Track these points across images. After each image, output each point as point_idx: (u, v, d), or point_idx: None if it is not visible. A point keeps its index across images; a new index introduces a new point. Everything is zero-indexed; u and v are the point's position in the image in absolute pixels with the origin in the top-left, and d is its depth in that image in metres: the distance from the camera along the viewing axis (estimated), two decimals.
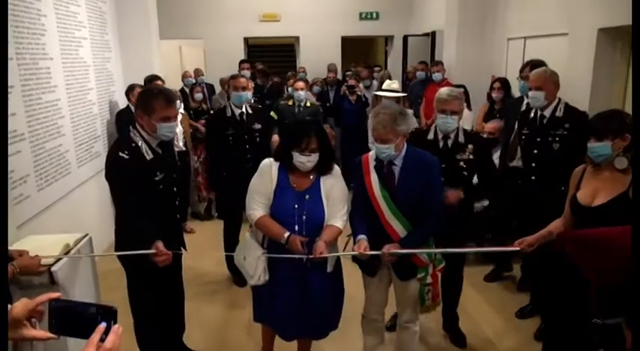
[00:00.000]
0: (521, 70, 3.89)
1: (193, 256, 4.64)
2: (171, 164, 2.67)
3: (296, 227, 2.42)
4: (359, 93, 6.32)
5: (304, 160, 2.41)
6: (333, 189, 2.50)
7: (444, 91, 2.92)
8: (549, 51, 4.95)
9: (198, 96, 6.20)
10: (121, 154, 2.39)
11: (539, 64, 3.73)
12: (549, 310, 3.10)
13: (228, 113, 3.95)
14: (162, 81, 5.03)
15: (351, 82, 6.51)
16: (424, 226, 2.48)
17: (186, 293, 3.04)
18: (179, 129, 4.89)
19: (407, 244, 2.44)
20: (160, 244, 2.37)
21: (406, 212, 2.47)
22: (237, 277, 3.92)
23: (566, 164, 2.59)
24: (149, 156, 2.47)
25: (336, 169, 2.58)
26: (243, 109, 3.97)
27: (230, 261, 3.90)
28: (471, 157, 2.88)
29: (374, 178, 2.50)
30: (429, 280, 2.56)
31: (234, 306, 3.77)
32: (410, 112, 4.53)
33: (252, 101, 4.37)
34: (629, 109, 3.83)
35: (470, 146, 2.88)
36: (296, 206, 2.44)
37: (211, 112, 6.04)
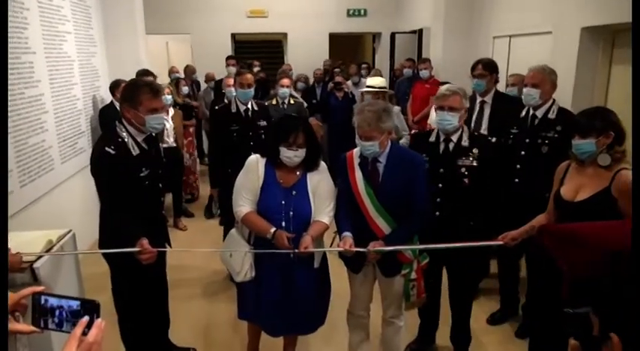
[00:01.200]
0: (473, 68, 3.74)
1: (182, 253, 4.64)
2: (156, 160, 2.65)
3: (283, 223, 2.42)
4: (346, 90, 6.28)
5: (291, 155, 2.41)
6: (320, 185, 2.51)
7: (444, 86, 2.76)
8: (534, 49, 5.00)
9: (185, 89, 6.15)
10: (107, 149, 2.36)
11: (490, 63, 3.73)
12: (532, 305, 3.15)
13: (233, 109, 3.91)
14: (154, 76, 4.98)
15: (338, 78, 6.46)
16: (409, 224, 2.49)
17: (172, 289, 3.02)
18: (169, 125, 4.85)
19: (392, 241, 2.44)
20: (145, 242, 2.34)
21: (391, 209, 2.47)
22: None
23: (552, 169, 2.48)
24: (135, 151, 2.45)
25: (323, 165, 2.58)
26: (249, 106, 3.93)
27: None
28: (475, 163, 2.59)
29: (358, 175, 2.50)
30: (413, 275, 2.55)
31: (221, 302, 3.76)
32: (397, 109, 4.53)
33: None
34: (610, 107, 3.89)
35: (475, 151, 2.61)
36: (283, 202, 2.44)
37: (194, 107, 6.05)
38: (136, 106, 2.40)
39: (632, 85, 1.85)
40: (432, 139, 2.71)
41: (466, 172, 2.60)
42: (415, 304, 2.68)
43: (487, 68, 3.66)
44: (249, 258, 2.49)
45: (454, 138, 2.65)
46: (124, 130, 2.45)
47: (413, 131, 2.89)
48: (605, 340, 0.80)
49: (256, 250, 2.50)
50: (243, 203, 2.49)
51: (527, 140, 3.03)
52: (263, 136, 3.83)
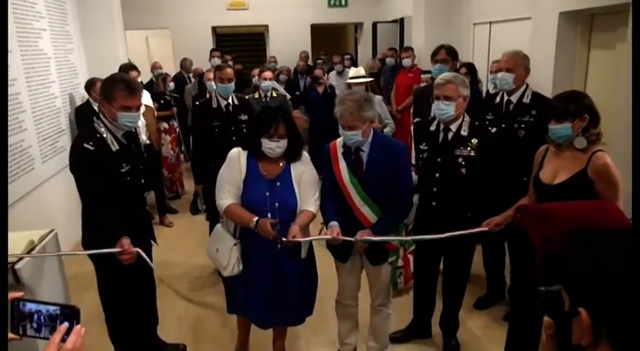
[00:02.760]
0: (435, 53, 3.70)
1: (169, 249, 4.62)
2: (137, 155, 2.61)
3: (269, 215, 2.42)
4: (322, 82, 6.13)
5: (273, 146, 2.41)
6: (304, 175, 2.51)
7: (442, 75, 2.68)
8: (514, 35, 5.04)
9: (171, 85, 6.09)
10: (86, 145, 2.31)
11: (451, 49, 3.69)
12: (515, 287, 3.20)
13: (214, 104, 3.86)
14: (138, 71, 4.95)
15: (317, 72, 6.35)
16: (394, 212, 2.50)
17: (160, 286, 3.01)
18: (142, 122, 4.78)
19: (378, 230, 2.44)
20: (126, 242, 2.30)
21: (376, 198, 2.48)
22: None
23: (530, 153, 2.48)
24: (115, 147, 2.41)
25: (306, 155, 2.58)
26: (230, 100, 3.89)
27: None
28: (472, 153, 2.55)
29: (342, 165, 2.50)
30: (400, 263, 2.58)
31: (209, 297, 3.75)
32: (379, 98, 4.53)
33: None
34: (589, 91, 3.93)
35: (474, 141, 2.56)
36: (267, 194, 2.44)
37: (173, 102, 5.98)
38: (110, 102, 2.37)
39: (633, 86, 1.88)
40: (432, 128, 2.68)
41: (463, 162, 2.57)
42: (402, 291, 2.70)
43: (450, 54, 3.64)
44: (236, 252, 2.49)
45: (453, 127, 2.61)
46: (102, 125, 2.41)
47: (416, 119, 2.85)
48: (574, 315, 0.82)
49: (242, 244, 2.49)
50: (225, 196, 2.48)
51: (504, 125, 3.02)
52: (245, 130, 3.79)
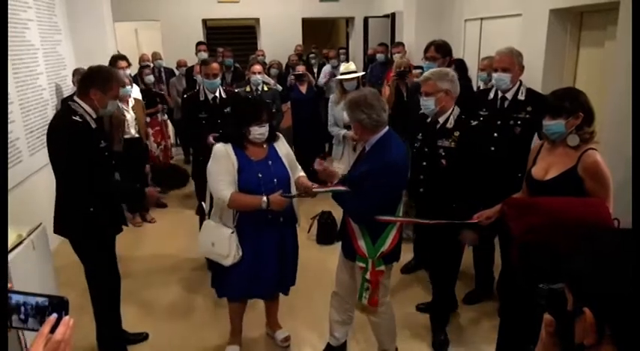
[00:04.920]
0: (426, 50, 3.70)
1: (155, 245, 4.61)
2: (107, 137, 2.83)
3: (263, 194, 2.51)
4: (305, 79, 5.84)
5: (263, 131, 2.58)
6: (288, 152, 2.77)
7: (425, 72, 2.86)
8: (505, 32, 5.06)
9: (149, 78, 5.99)
10: (74, 117, 2.49)
11: (443, 45, 3.65)
12: (504, 282, 3.24)
13: (202, 97, 3.97)
14: (128, 62, 4.98)
15: (300, 69, 5.97)
16: (348, 197, 2.47)
17: (151, 279, 3.02)
18: (130, 115, 4.75)
19: (340, 196, 2.52)
20: (149, 189, 2.74)
21: None
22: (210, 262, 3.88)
23: (525, 149, 2.51)
24: (93, 125, 2.59)
25: (279, 135, 2.78)
26: (217, 94, 3.96)
27: None
28: (452, 145, 2.65)
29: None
30: (368, 275, 2.48)
31: (197, 292, 3.74)
32: None
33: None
34: (578, 88, 3.96)
35: (456, 133, 2.66)
36: (260, 175, 2.56)
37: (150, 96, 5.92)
38: (106, 91, 2.58)
39: (633, 85, 1.90)
40: (428, 119, 2.81)
41: (443, 153, 2.66)
42: (365, 308, 2.61)
43: (439, 51, 3.62)
44: (235, 240, 2.58)
45: (441, 120, 2.72)
46: (79, 107, 2.56)
47: (420, 112, 2.88)
48: (578, 314, 0.82)
49: (242, 229, 2.61)
50: (225, 187, 2.52)
51: (499, 122, 3.05)
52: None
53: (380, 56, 6.76)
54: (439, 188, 2.72)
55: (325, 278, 3.39)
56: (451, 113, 2.69)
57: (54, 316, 1.03)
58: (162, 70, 7.47)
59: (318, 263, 3.89)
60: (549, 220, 2.03)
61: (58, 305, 1.05)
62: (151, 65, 6.79)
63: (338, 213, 3.20)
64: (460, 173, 2.65)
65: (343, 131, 4.34)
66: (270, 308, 3.08)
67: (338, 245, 2.78)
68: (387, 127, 2.47)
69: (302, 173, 2.80)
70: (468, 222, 2.57)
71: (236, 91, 4.51)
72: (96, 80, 2.60)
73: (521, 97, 3.03)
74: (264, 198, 2.48)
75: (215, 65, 3.94)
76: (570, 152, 2.21)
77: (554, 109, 2.21)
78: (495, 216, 2.51)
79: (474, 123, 2.71)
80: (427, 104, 2.70)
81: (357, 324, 3.01)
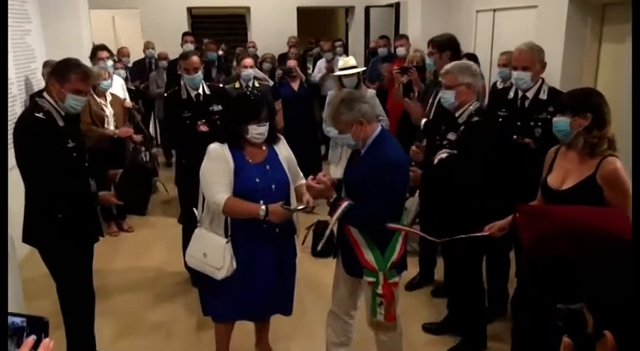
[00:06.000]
0: (428, 47, 3.75)
1: (133, 256, 4.60)
2: (80, 138, 2.80)
3: (261, 201, 2.49)
4: (296, 75, 5.79)
5: (262, 131, 2.56)
6: (290, 156, 2.75)
7: (447, 65, 2.94)
8: (519, 24, 5.10)
9: (121, 72, 5.97)
10: (37, 114, 2.51)
11: (440, 41, 3.66)
12: (520, 298, 3.25)
13: (184, 95, 3.87)
14: (110, 52, 5.05)
15: (290, 63, 5.96)
16: (354, 211, 2.45)
17: (129, 293, 3.02)
18: (109, 111, 4.75)
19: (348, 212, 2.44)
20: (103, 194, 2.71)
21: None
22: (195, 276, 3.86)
23: (546, 153, 2.50)
24: (61, 123, 2.59)
25: (280, 136, 2.78)
26: (200, 90, 3.89)
27: None
28: (453, 138, 2.84)
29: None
30: (380, 290, 2.48)
31: (179, 309, 3.73)
32: (372, 92, 4.54)
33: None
34: (600, 87, 3.99)
35: (462, 128, 2.82)
36: (257, 180, 2.55)
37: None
38: (63, 82, 2.56)
39: (633, 85, 1.92)
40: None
41: (447, 146, 2.85)
42: (382, 325, 2.58)
43: (435, 46, 3.66)
44: (229, 251, 2.56)
45: (457, 114, 2.87)
46: (46, 102, 2.57)
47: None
48: (599, 337, 0.82)
49: (237, 238, 2.59)
50: (220, 190, 2.51)
51: (519, 123, 3.05)
52: (219, 121, 3.72)
53: (382, 50, 6.78)
54: (446, 185, 2.83)
55: (322, 295, 3.39)
56: (467, 108, 2.81)
57: (32, 337, 1.03)
58: (153, 61, 7.45)
59: (314, 278, 3.90)
60: (562, 229, 2.05)
61: (37, 326, 1.05)
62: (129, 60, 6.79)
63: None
64: (454, 171, 2.77)
65: None
66: (260, 329, 3.06)
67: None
68: (380, 126, 2.52)
69: (303, 181, 2.72)
70: (478, 235, 2.56)
71: (224, 87, 4.48)
72: (55, 70, 2.62)
73: (543, 96, 3.02)
74: (263, 207, 2.45)
75: (195, 58, 3.86)
76: (587, 159, 2.23)
77: (561, 106, 2.28)
78: (508, 227, 2.50)
79: (475, 119, 2.78)
80: (447, 97, 2.84)
81: (356, 343, 3.01)
